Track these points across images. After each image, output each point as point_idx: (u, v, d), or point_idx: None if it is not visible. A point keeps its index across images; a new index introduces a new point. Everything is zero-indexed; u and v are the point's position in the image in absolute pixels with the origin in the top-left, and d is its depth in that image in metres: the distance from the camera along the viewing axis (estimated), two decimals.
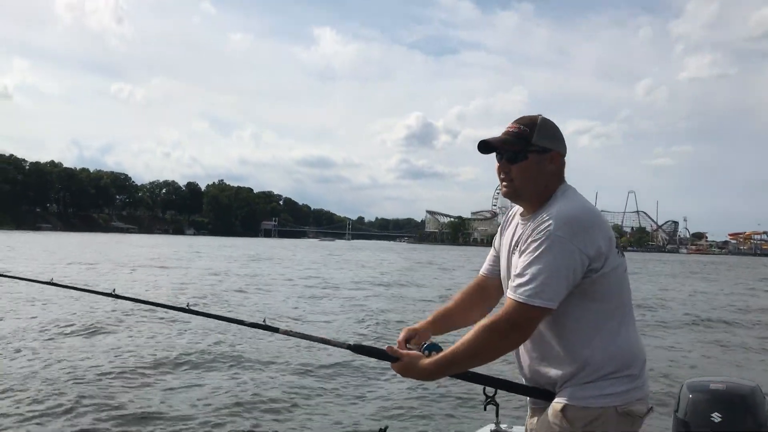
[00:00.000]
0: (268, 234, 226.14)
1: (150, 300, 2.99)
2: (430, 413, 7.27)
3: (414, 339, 2.30)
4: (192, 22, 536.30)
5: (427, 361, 2.06)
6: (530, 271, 1.94)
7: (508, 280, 2.13)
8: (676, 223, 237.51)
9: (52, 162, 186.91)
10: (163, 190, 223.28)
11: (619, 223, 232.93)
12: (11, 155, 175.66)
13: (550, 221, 1.96)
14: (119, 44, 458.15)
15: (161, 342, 10.57)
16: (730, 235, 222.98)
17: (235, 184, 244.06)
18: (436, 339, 2.29)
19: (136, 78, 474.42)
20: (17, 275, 3.12)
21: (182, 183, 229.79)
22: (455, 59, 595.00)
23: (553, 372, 2.05)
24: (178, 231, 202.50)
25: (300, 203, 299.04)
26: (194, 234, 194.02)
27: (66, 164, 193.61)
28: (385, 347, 2.17)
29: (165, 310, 2.81)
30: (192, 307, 2.70)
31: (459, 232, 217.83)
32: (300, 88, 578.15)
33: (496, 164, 2.18)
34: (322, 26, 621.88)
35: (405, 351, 2.14)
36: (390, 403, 7.63)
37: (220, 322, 2.80)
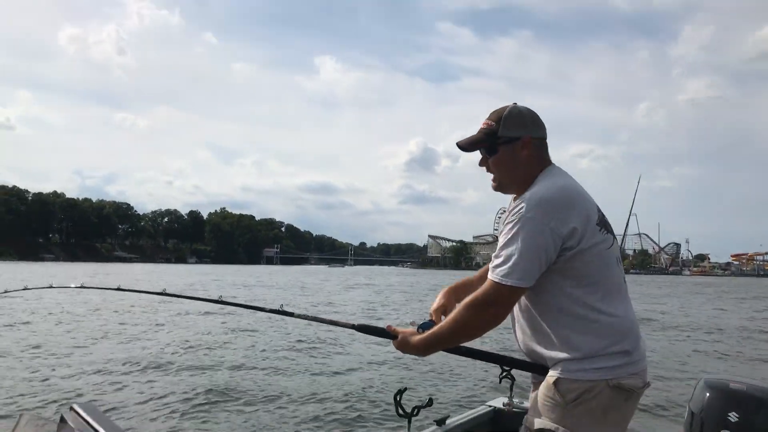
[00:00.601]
0: (270, 261, 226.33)
1: (186, 294, 3.28)
2: (450, 386, 7.98)
3: (446, 312, 2.44)
4: (195, 53, 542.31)
5: (418, 337, 2.19)
6: (504, 252, 2.02)
7: None
8: (678, 245, 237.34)
9: (55, 192, 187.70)
10: (165, 219, 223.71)
11: (621, 246, 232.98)
12: (14, 186, 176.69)
13: (523, 204, 2.01)
14: (122, 75, 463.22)
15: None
16: (732, 256, 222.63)
17: (238, 212, 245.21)
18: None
19: (139, 108, 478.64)
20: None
21: (185, 211, 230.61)
22: (456, 85, 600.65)
23: (543, 348, 2.12)
24: (180, 260, 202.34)
25: (302, 230, 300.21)
26: (196, 262, 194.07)
27: (69, 194, 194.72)
28: (385, 326, 2.33)
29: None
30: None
31: (461, 256, 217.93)
32: (303, 115, 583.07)
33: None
34: (322, 55, 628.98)
35: (401, 329, 2.27)
36: (410, 375, 8.71)
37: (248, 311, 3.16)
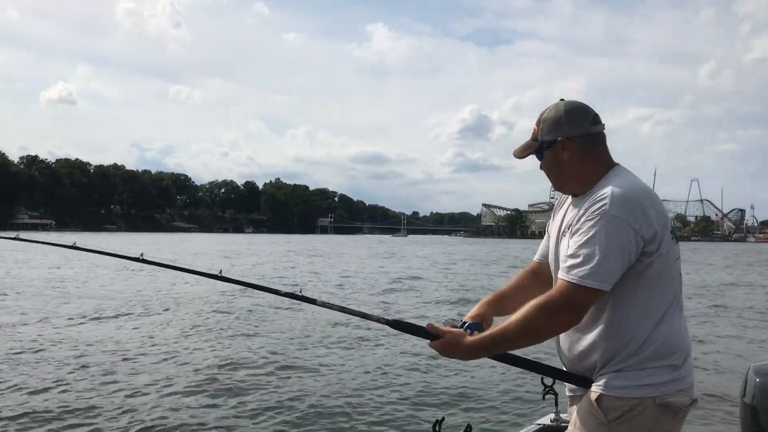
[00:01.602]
0: (324, 230, 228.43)
1: (178, 265, 2.90)
2: (488, 402, 7.25)
3: (484, 323, 2.24)
4: (246, 24, 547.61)
5: (471, 338, 2.00)
6: (584, 251, 1.87)
7: (555, 265, 2.10)
8: (742, 211, 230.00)
9: (115, 165, 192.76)
10: (222, 190, 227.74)
11: (683, 213, 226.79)
12: (76, 159, 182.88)
13: (605, 200, 1.88)
14: (177, 48, 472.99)
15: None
16: None
17: (292, 182, 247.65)
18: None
19: (193, 81, 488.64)
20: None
21: (240, 182, 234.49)
22: (509, 49, 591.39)
23: (592, 357, 1.99)
24: (238, 229, 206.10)
25: (355, 199, 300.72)
26: (253, 232, 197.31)
27: (128, 167, 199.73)
28: (425, 324, 2.11)
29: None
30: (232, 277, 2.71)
31: (516, 225, 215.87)
32: (353, 85, 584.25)
33: None
34: (374, 23, 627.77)
35: (447, 328, 2.07)
36: (443, 391, 7.67)
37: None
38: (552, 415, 3.29)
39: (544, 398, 2.96)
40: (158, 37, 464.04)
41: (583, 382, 2.03)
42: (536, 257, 2.38)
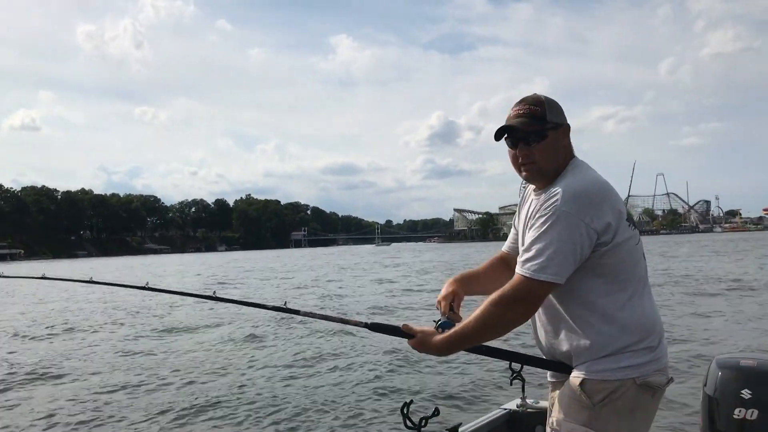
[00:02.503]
0: (298, 244, 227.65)
1: (178, 290, 3.15)
2: (458, 389, 7.64)
3: (455, 301, 2.31)
4: (209, 41, 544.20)
5: (439, 337, 2.08)
6: (537, 246, 1.94)
7: None
8: (708, 202, 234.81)
9: (83, 189, 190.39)
10: (193, 209, 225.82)
11: (650, 207, 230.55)
12: (43, 186, 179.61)
13: (557, 196, 1.94)
14: (140, 69, 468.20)
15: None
16: (764, 210, 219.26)
17: (263, 198, 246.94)
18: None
19: (158, 101, 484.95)
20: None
21: (210, 200, 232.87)
22: (473, 55, 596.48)
23: (568, 346, 2.06)
24: (210, 248, 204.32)
25: (327, 211, 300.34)
26: (226, 250, 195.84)
27: (96, 191, 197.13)
28: (400, 325, 2.20)
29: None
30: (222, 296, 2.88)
31: (488, 228, 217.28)
32: (320, 97, 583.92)
33: (511, 150, 2.15)
34: (337, 34, 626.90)
35: (419, 328, 2.16)
36: (417, 379, 8.19)
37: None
38: (519, 400, 3.44)
39: (511, 383, 3.10)
40: (121, 59, 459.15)
41: (563, 368, 2.11)
42: (504, 248, 2.48)
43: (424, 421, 2.57)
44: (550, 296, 2.04)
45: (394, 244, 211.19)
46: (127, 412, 7.34)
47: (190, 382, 8.73)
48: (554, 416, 2.09)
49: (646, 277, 2.10)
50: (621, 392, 1.97)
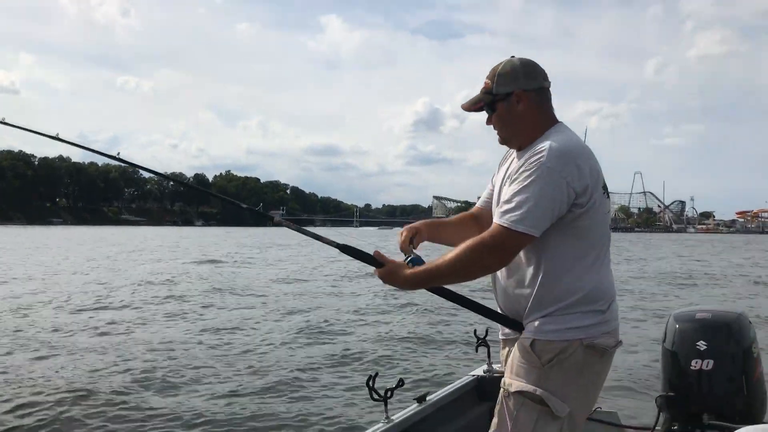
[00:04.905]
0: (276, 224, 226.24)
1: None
2: (424, 360, 7.85)
3: (417, 237, 2.35)
4: (197, 13, 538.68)
5: (409, 271, 2.13)
6: (518, 198, 1.99)
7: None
8: (683, 202, 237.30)
9: (61, 157, 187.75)
10: (171, 182, 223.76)
11: (626, 204, 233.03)
12: (20, 151, 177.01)
13: (543, 152, 2.00)
14: (126, 37, 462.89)
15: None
16: (737, 213, 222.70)
17: (243, 175, 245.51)
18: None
19: (142, 70, 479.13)
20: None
21: (190, 174, 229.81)
22: (460, 43, 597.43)
23: (524, 301, 2.11)
24: (188, 222, 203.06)
25: (307, 191, 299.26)
26: (203, 225, 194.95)
27: (74, 159, 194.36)
28: (373, 252, 2.24)
29: None
30: None
31: None
32: (307, 76, 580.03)
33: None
34: (328, 14, 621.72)
35: (390, 258, 2.20)
36: (377, 350, 8.41)
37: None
38: (485, 366, 3.51)
39: (477, 350, 3.23)
40: (106, 26, 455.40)
41: (516, 325, 2.17)
42: (478, 204, 2.52)
43: (389, 392, 2.69)
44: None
45: (362, 228, 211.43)
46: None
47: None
48: (506, 376, 2.16)
49: (608, 245, 2.18)
50: (569, 353, 2.03)
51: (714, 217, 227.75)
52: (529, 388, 2.04)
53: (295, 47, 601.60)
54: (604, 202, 2.09)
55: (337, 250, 2.29)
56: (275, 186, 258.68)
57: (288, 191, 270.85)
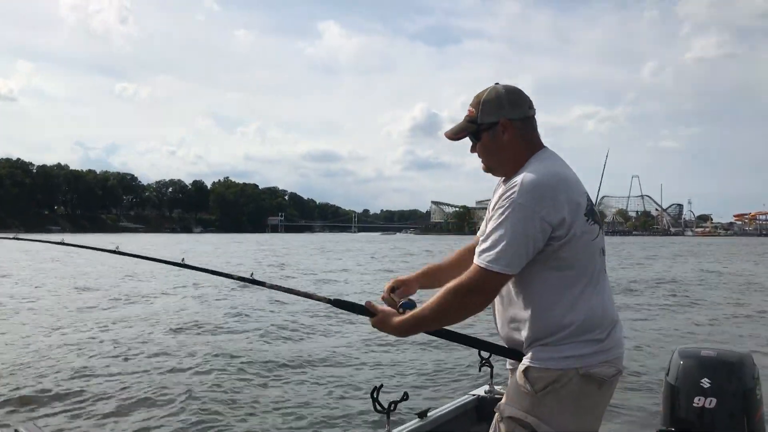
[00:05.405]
0: (274, 229, 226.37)
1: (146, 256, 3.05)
2: (428, 375, 7.91)
3: (400, 289, 2.38)
4: (196, 20, 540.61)
5: (398, 318, 2.15)
6: (492, 236, 1.99)
7: None
8: (680, 206, 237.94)
9: (59, 164, 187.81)
10: (170, 189, 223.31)
11: (624, 208, 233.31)
12: (18, 159, 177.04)
13: (515, 188, 1.98)
14: (124, 44, 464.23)
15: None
16: (735, 216, 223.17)
17: (241, 181, 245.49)
18: (425, 293, 2.36)
19: (140, 77, 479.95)
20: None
21: (188, 181, 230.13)
22: (458, 49, 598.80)
23: (521, 334, 2.11)
24: (186, 229, 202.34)
25: (305, 197, 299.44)
26: (202, 231, 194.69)
27: (72, 166, 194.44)
28: (364, 303, 2.26)
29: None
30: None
31: (464, 221, 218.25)
32: (304, 83, 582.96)
33: None
34: (326, 20, 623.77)
35: (381, 307, 2.23)
36: (388, 364, 8.42)
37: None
38: (487, 387, 3.54)
39: (480, 370, 3.24)
40: (104, 33, 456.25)
41: (517, 355, 2.15)
42: (478, 234, 2.43)
43: (393, 405, 2.70)
44: (508, 285, 2.10)
45: (360, 234, 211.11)
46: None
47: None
48: (503, 401, 2.17)
49: (602, 271, 2.14)
50: (563, 382, 2.01)
51: (712, 219, 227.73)
52: (520, 414, 2.04)
53: (293, 53, 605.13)
54: (588, 229, 2.04)
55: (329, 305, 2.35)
56: (273, 192, 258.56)
57: (286, 197, 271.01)
